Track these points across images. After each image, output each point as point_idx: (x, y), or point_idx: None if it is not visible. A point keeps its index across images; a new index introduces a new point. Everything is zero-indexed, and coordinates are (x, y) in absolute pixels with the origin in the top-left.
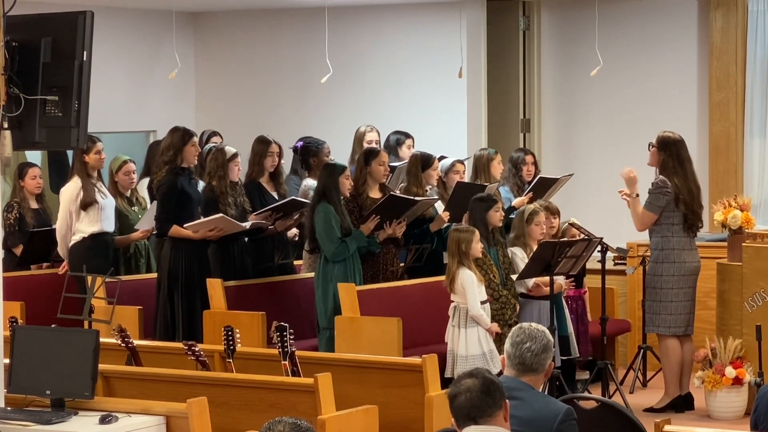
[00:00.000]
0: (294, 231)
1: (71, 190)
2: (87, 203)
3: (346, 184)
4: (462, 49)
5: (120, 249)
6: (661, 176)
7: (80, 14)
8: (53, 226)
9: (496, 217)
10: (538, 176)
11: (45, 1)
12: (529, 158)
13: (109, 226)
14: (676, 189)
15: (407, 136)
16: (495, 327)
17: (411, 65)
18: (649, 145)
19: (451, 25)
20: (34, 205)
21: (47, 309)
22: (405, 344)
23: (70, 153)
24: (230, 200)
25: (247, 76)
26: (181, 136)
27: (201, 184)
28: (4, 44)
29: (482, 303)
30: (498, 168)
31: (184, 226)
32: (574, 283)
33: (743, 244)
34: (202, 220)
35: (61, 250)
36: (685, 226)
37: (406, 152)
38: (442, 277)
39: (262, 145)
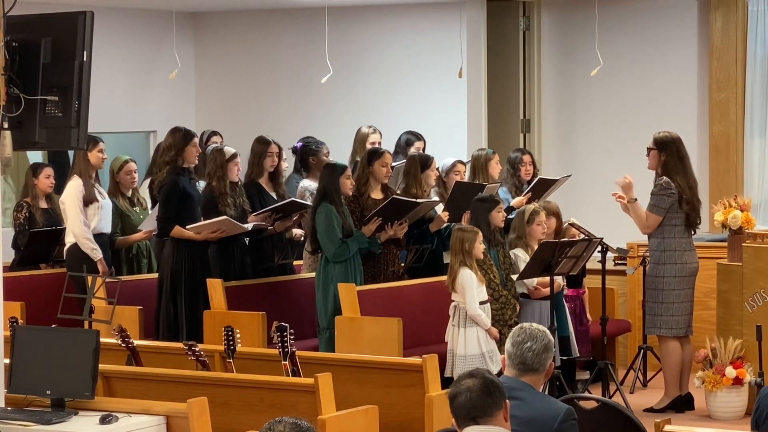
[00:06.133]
0: (300, 231)
1: (74, 188)
2: (88, 200)
3: (347, 184)
4: (462, 49)
5: (122, 249)
6: (664, 177)
7: (80, 14)
8: (59, 227)
9: (498, 217)
10: (538, 177)
11: (45, 1)
12: (526, 158)
13: (107, 227)
14: (680, 189)
15: (418, 138)
16: (494, 332)
17: (411, 65)
18: (647, 150)
19: (451, 25)
20: (43, 204)
21: (47, 309)
22: (405, 344)
23: (70, 153)
24: (230, 201)
25: (247, 76)
26: (182, 136)
27: (202, 185)
28: (4, 44)
29: (482, 303)
30: (496, 168)
31: (187, 227)
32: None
33: (743, 244)
34: (206, 222)
35: (87, 248)
36: (686, 226)
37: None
38: (442, 277)
39: (261, 146)
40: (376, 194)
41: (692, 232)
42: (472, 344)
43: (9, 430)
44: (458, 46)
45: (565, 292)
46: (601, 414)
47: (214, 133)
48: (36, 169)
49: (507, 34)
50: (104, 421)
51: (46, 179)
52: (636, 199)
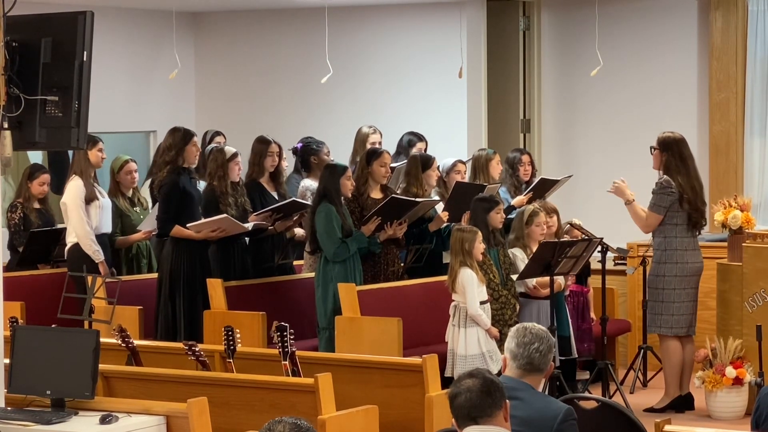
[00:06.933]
0: (302, 231)
1: (76, 188)
2: (89, 199)
3: (348, 184)
4: (462, 49)
5: (122, 249)
6: (665, 176)
7: (80, 14)
8: (55, 227)
9: (497, 218)
10: (539, 177)
11: (45, 1)
12: (525, 158)
13: (107, 227)
14: (680, 188)
15: (420, 139)
16: (494, 332)
17: (411, 65)
18: (651, 148)
19: (451, 25)
20: (37, 205)
21: (47, 309)
22: (405, 344)
23: (71, 153)
24: (231, 200)
25: (247, 76)
26: (182, 136)
27: (202, 185)
28: (4, 44)
29: (482, 303)
30: (497, 168)
31: (187, 226)
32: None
33: (743, 244)
34: (206, 220)
35: (89, 249)
36: (688, 226)
37: None
38: (442, 278)
39: (262, 145)
40: (376, 194)
41: (696, 233)
42: (473, 344)
43: (9, 430)
44: (458, 46)
45: (567, 292)
46: (601, 414)
47: (218, 133)
48: (33, 172)
49: (507, 34)
50: (104, 421)
51: (39, 186)
52: (633, 200)
